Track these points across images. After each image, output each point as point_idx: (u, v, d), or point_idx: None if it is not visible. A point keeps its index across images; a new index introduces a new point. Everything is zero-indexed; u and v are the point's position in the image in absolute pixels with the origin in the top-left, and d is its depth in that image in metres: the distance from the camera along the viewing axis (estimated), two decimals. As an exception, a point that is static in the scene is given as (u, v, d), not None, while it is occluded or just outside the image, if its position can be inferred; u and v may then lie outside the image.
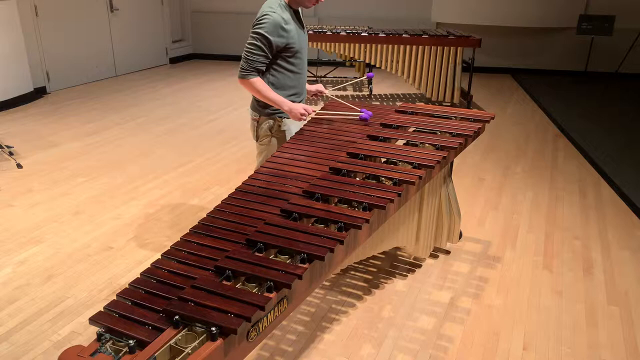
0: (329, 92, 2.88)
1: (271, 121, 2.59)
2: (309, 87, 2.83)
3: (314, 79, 7.38)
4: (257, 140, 2.66)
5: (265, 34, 2.39)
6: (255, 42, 2.41)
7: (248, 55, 2.44)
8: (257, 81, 2.46)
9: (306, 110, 2.52)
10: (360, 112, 2.72)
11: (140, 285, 1.44)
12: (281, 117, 2.58)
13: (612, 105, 6.45)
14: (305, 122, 2.63)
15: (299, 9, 2.58)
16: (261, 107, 2.58)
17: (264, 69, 2.49)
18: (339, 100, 2.94)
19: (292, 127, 2.62)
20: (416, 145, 2.45)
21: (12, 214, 3.45)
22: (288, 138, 2.58)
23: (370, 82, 7.02)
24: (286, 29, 2.43)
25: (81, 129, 5.26)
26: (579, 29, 7.30)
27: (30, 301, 2.55)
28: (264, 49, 2.42)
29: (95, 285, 2.69)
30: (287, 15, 2.45)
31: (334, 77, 7.69)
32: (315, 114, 2.62)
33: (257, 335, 1.36)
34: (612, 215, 3.55)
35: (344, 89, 7.06)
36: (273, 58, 2.49)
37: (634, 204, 3.64)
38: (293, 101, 2.58)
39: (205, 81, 7.63)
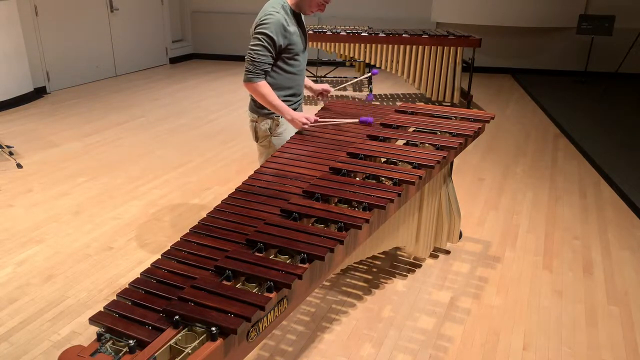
0: (334, 91, 2.87)
1: (269, 121, 2.59)
2: (314, 86, 2.83)
3: (314, 78, 7.38)
4: (257, 142, 2.66)
5: (270, 34, 2.38)
6: (260, 43, 2.40)
7: (254, 57, 2.42)
8: (263, 86, 2.44)
9: (308, 120, 2.53)
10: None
11: (140, 285, 1.44)
12: (279, 116, 2.57)
13: (612, 105, 6.44)
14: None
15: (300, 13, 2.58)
16: (258, 108, 2.57)
17: (269, 70, 2.48)
18: (342, 100, 2.92)
19: (291, 127, 2.62)
20: (416, 145, 2.45)
21: (12, 214, 3.45)
22: (287, 138, 2.58)
23: (370, 82, 7.02)
24: (288, 30, 2.43)
25: (81, 129, 5.26)
26: (579, 29, 7.30)
27: (30, 301, 2.55)
28: (269, 49, 2.41)
29: (95, 285, 2.69)
30: (289, 17, 2.45)
31: (334, 77, 7.68)
32: (316, 122, 2.61)
33: (257, 335, 1.36)
34: (612, 215, 3.54)
35: (344, 89, 7.06)
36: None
37: (634, 204, 3.64)
38: (290, 101, 2.59)
39: (205, 81, 7.63)
